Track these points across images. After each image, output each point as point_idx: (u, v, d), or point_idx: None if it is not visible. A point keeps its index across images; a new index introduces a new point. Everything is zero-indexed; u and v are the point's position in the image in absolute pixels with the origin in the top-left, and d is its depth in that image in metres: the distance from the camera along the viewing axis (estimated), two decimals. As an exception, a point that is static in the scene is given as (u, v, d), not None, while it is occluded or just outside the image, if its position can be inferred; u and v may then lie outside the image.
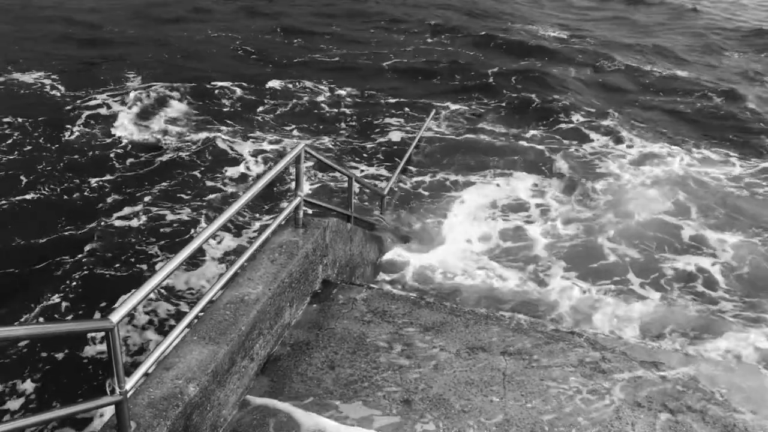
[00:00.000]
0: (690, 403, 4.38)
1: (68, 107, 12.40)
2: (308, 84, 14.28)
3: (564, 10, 24.23)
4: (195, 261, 7.68)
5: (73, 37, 17.62)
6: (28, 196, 9.06)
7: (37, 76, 13.96)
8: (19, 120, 11.42)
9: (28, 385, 5.86)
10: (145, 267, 7.62)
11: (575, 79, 15.62)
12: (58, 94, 13.08)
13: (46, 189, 9.26)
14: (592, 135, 12.01)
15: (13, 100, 12.66)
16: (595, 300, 7.22)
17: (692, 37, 20.95)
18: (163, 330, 6.55)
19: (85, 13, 20.32)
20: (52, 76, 14.05)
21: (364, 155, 11.06)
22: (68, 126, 11.51)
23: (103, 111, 12.28)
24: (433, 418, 4.20)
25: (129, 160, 10.38)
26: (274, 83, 14.14)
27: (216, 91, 13.45)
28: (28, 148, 10.51)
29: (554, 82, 15.11)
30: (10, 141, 10.62)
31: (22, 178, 9.53)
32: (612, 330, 6.74)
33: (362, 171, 10.45)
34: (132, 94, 12.95)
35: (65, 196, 9.11)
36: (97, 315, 6.74)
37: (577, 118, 12.79)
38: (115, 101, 12.76)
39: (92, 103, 12.62)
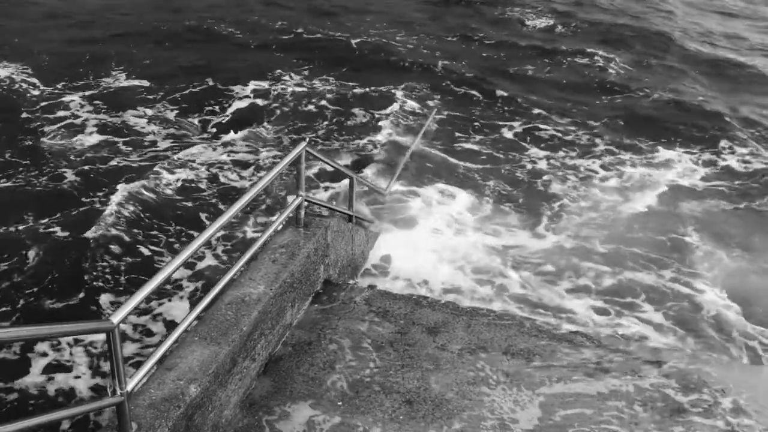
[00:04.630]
0: (694, 403, 4.36)
1: (41, 102, 12.24)
2: (296, 82, 14.14)
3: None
4: (196, 261, 7.66)
5: (59, 28, 17.48)
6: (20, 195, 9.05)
7: (12, 70, 13.83)
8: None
9: (29, 387, 5.84)
10: (146, 267, 7.60)
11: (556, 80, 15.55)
12: (33, 90, 12.92)
13: (45, 186, 9.25)
14: (574, 140, 12.00)
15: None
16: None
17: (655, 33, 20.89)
18: (164, 330, 6.53)
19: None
20: (28, 70, 13.87)
21: (363, 155, 11.03)
22: (45, 120, 11.40)
23: (80, 107, 12.19)
24: (435, 418, 4.18)
25: (114, 156, 10.29)
26: (258, 82, 13.88)
27: (197, 90, 13.25)
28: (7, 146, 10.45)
29: (529, 83, 15.06)
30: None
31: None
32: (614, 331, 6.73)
33: (361, 170, 10.42)
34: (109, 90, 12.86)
35: (68, 193, 9.09)
36: (98, 316, 6.73)
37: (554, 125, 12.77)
38: (94, 97, 12.69)
39: (66, 99, 12.49)
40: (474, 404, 4.30)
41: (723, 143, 12.17)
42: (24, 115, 11.77)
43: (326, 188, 9.77)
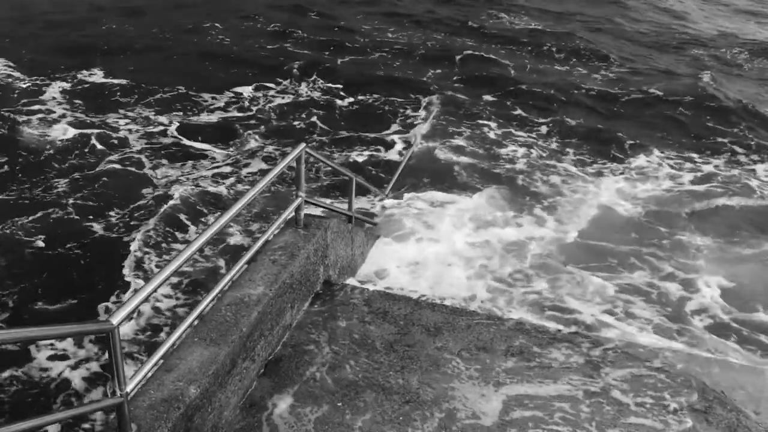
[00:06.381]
0: (693, 403, 4.36)
1: (24, 98, 12.29)
2: (284, 87, 13.97)
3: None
4: (196, 262, 7.66)
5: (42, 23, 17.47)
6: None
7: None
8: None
9: (29, 388, 5.84)
10: (145, 268, 7.60)
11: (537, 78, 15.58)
12: (17, 83, 12.95)
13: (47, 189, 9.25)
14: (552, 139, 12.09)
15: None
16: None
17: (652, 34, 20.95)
18: (164, 331, 6.53)
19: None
20: (10, 64, 13.95)
21: (362, 155, 11.02)
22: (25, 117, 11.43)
23: (57, 104, 12.19)
24: (434, 419, 4.18)
25: (101, 159, 10.27)
26: (244, 88, 13.69)
27: (175, 93, 13.15)
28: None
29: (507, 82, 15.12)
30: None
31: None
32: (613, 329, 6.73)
33: (360, 169, 10.39)
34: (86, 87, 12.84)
35: (59, 195, 9.09)
36: (98, 317, 6.73)
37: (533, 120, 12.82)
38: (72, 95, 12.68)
39: (46, 96, 12.47)
40: (474, 404, 4.30)
41: (706, 143, 12.31)
42: (6, 109, 11.79)
43: (326, 188, 9.76)
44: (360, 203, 9.01)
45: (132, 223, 8.56)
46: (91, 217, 8.64)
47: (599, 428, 4.13)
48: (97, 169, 9.97)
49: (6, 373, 5.96)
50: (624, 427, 4.14)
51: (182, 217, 8.77)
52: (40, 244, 7.97)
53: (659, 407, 4.32)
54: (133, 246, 8.03)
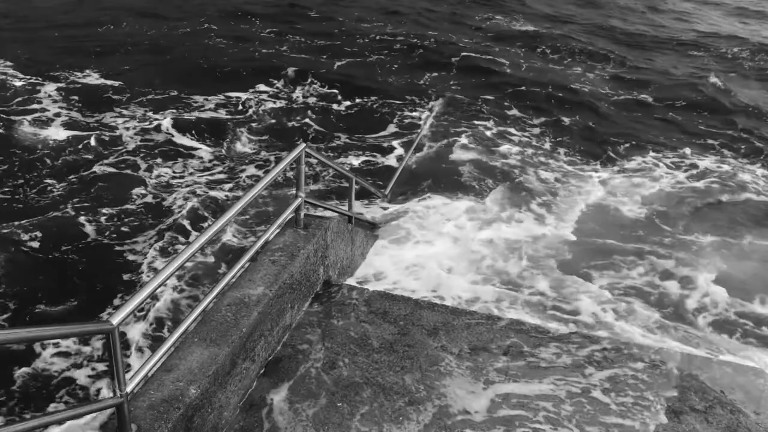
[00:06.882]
0: (693, 404, 4.37)
1: (19, 97, 12.29)
2: (278, 90, 13.88)
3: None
4: (196, 262, 7.65)
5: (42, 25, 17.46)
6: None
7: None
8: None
9: (28, 389, 5.83)
10: (145, 268, 7.59)
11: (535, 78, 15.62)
12: (13, 81, 12.96)
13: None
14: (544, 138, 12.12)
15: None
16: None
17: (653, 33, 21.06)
18: (164, 332, 6.53)
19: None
20: (7, 63, 13.99)
21: (360, 158, 11.01)
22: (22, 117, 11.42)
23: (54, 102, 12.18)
24: (435, 419, 4.18)
25: (95, 160, 10.24)
26: (238, 93, 13.57)
27: (170, 96, 13.14)
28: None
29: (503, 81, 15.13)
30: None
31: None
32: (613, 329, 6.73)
33: (358, 172, 10.38)
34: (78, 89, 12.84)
35: (55, 197, 9.09)
36: (98, 317, 6.72)
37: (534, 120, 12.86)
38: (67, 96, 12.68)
39: (41, 95, 12.48)
40: (474, 404, 4.30)
41: (704, 142, 12.42)
42: (1, 108, 11.79)
43: (326, 188, 9.76)
44: (360, 204, 9.01)
45: (131, 224, 8.54)
46: (89, 217, 8.63)
47: (579, 426, 4.13)
48: (93, 169, 9.95)
49: (5, 374, 5.95)
50: (615, 427, 4.14)
51: (181, 218, 8.76)
52: (36, 244, 7.95)
53: (652, 406, 4.32)
54: (133, 246, 8.02)
